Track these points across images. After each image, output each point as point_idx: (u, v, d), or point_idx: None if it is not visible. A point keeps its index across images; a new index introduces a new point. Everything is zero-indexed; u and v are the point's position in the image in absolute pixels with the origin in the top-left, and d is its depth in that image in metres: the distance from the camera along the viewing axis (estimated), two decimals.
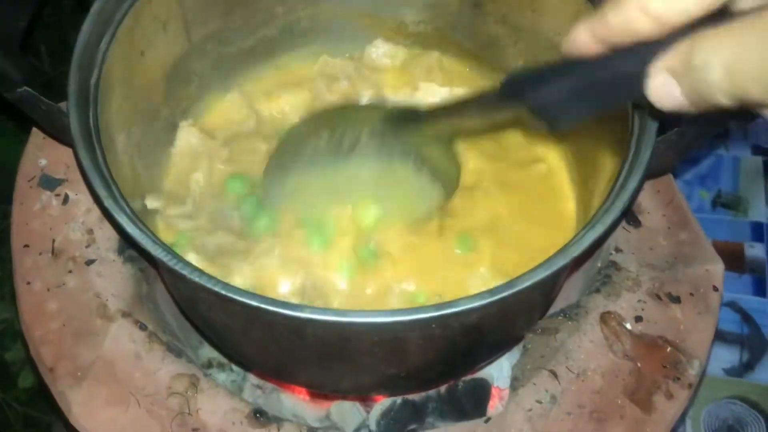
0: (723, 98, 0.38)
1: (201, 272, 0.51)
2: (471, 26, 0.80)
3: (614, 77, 0.43)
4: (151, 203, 0.68)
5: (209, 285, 0.50)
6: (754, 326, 1.17)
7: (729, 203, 1.27)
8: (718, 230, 1.24)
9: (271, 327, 0.55)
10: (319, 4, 0.82)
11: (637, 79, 0.40)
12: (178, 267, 0.51)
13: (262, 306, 0.49)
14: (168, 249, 0.52)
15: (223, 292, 0.50)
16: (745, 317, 1.17)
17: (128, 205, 0.55)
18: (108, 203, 0.54)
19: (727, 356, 1.14)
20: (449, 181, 0.69)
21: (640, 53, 0.40)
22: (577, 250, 0.52)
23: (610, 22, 0.41)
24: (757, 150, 1.32)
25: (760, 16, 0.36)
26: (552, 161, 0.75)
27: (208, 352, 0.83)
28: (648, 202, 0.77)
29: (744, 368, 1.14)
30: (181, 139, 0.76)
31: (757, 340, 1.16)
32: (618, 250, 0.73)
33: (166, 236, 0.67)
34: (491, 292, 0.50)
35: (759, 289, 1.19)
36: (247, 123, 0.79)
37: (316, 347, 0.57)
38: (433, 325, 0.52)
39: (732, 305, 1.17)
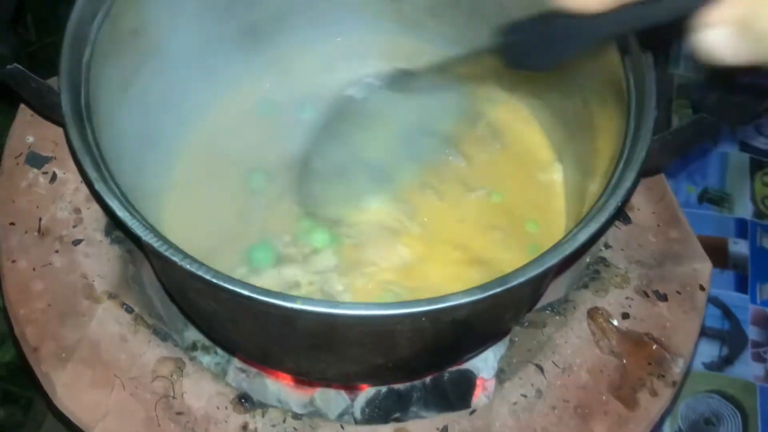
0: None
1: (192, 259, 0.51)
2: None
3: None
4: None
5: (200, 272, 0.50)
6: (735, 322, 1.18)
7: (715, 199, 1.28)
8: (703, 225, 1.25)
9: (261, 316, 0.55)
10: None
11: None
12: (168, 253, 0.51)
13: (253, 296, 0.49)
14: (158, 234, 0.51)
15: (214, 280, 0.50)
16: (727, 313, 1.18)
17: (119, 188, 0.54)
18: (98, 186, 0.53)
19: (707, 350, 1.15)
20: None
21: None
22: (569, 248, 0.52)
23: None
24: (744, 147, 1.32)
25: None
26: (547, 157, 0.75)
27: (193, 334, 0.83)
28: (638, 198, 0.77)
29: (723, 363, 1.15)
30: None
31: (737, 335, 1.17)
32: (607, 246, 0.73)
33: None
34: (482, 288, 0.50)
35: (741, 286, 1.20)
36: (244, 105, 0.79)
37: (304, 337, 0.57)
38: (423, 319, 0.52)
39: (714, 300, 1.18)
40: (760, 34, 0.37)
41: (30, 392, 1.13)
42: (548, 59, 0.48)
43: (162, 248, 0.51)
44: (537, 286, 0.63)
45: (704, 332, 1.14)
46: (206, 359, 0.83)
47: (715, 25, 0.38)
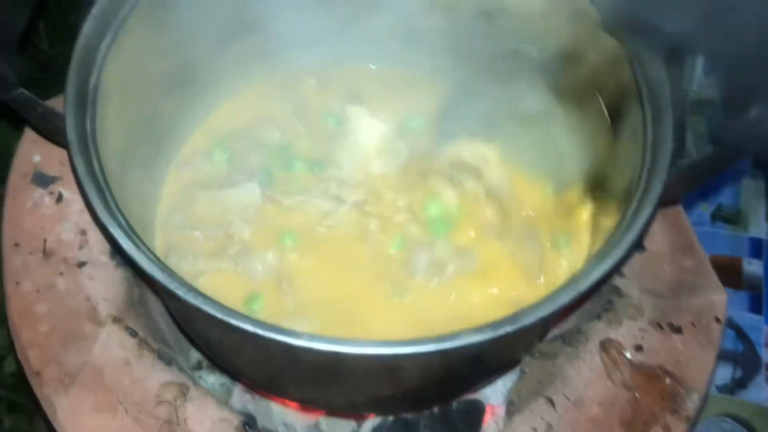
0: None
1: (196, 293, 0.49)
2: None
3: None
4: None
5: (204, 306, 0.49)
6: (749, 344, 1.16)
7: (729, 218, 1.26)
8: (717, 244, 1.23)
9: (266, 348, 0.54)
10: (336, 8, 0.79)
11: None
12: (173, 287, 0.50)
13: (258, 332, 0.48)
14: (164, 267, 0.50)
15: (219, 315, 0.49)
16: (740, 334, 1.16)
17: (123, 217, 0.53)
18: (102, 215, 0.52)
19: (720, 373, 1.13)
20: None
21: None
22: (583, 286, 0.51)
23: None
24: (759, 165, 1.31)
25: None
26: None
27: (198, 354, 0.82)
28: (653, 224, 0.75)
29: (737, 386, 1.13)
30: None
31: (751, 357, 1.15)
32: (620, 274, 0.72)
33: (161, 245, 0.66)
34: (493, 326, 0.49)
35: (755, 306, 1.18)
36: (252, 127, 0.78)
37: (310, 369, 0.56)
38: (432, 357, 0.51)
39: (727, 322, 1.16)
40: None
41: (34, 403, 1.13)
42: None
43: (166, 281, 0.50)
44: (549, 319, 0.61)
45: (717, 354, 1.13)
46: (211, 379, 0.82)
47: None
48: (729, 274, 1.19)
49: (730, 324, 1.16)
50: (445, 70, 0.80)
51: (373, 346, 0.48)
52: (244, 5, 0.74)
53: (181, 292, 0.49)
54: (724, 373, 1.12)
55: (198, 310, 0.49)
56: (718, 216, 1.26)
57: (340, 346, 0.48)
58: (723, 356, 1.13)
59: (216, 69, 0.75)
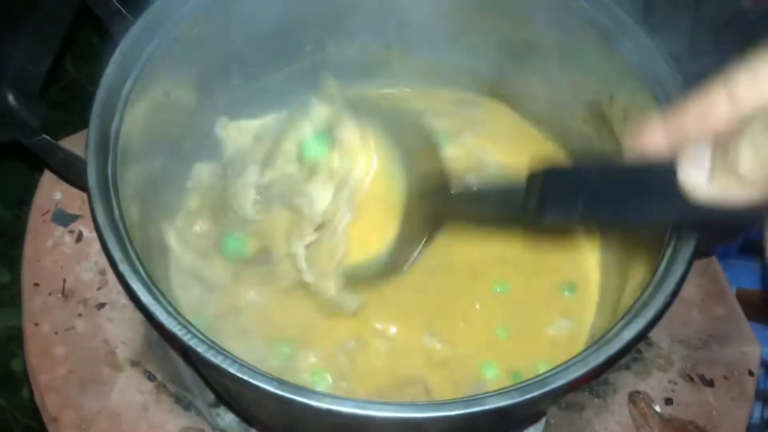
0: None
1: (216, 350, 0.48)
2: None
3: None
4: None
5: (224, 365, 0.48)
6: None
7: (757, 248, 1.23)
8: (745, 277, 1.19)
9: (287, 405, 0.53)
10: (351, 41, 0.79)
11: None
12: (192, 343, 0.48)
13: (278, 392, 0.47)
14: (184, 322, 0.49)
15: (239, 374, 0.47)
16: None
17: (144, 268, 0.52)
18: (122, 267, 0.51)
19: None
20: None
21: None
22: (613, 348, 0.49)
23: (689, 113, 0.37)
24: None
25: None
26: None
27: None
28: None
29: (767, 425, 1.10)
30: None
31: None
32: None
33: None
34: (520, 390, 0.48)
35: None
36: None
37: (331, 426, 0.55)
38: (457, 419, 0.49)
39: None
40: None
41: None
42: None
43: (186, 337, 0.49)
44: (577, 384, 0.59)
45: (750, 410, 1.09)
46: (229, 417, 0.81)
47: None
48: (757, 308, 1.15)
49: (761, 361, 1.13)
50: None
51: (396, 410, 0.47)
52: (269, 44, 0.74)
53: (201, 349, 0.48)
54: (754, 412, 1.09)
55: (217, 368, 0.48)
56: (746, 247, 1.22)
57: (363, 410, 0.47)
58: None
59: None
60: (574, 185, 0.41)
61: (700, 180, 0.35)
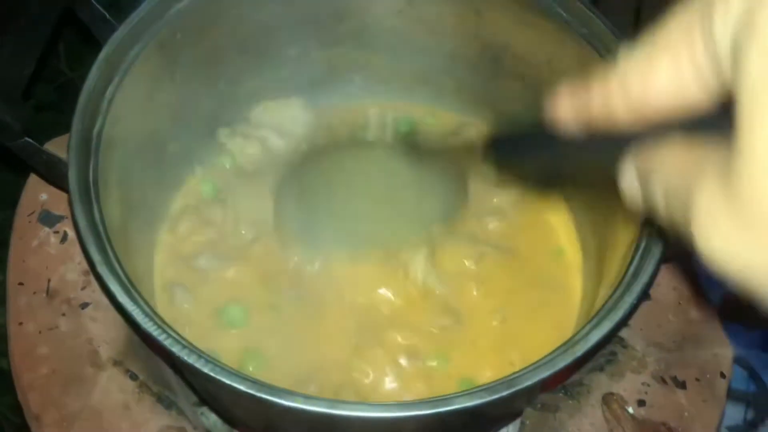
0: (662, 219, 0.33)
1: (190, 350, 0.49)
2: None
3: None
4: None
5: (197, 365, 0.49)
6: (761, 384, 1.14)
7: None
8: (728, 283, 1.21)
9: (267, 407, 0.54)
10: (337, 46, 0.80)
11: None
12: (167, 343, 0.49)
13: (253, 393, 0.48)
14: (161, 325, 0.50)
15: (212, 374, 0.48)
16: (753, 374, 1.14)
17: (123, 270, 0.53)
18: (101, 269, 0.52)
19: (731, 414, 1.11)
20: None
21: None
22: (580, 350, 0.50)
23: (593, 101, 0.36)
24: None
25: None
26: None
27: None
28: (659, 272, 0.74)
29: (748, 427, 1.11)
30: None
31: (763, 398, 1.13)
32: (625, 324, 0.71)
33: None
34: (488, 390, 0.49)
35: None
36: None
37: (307, 423, 0.56)
38: (429, 418, 0.50)
39: (740, 361, 1.14)
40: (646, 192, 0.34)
41: None
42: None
43: (167, 341, 0.50)
44: (547, 383, 0.60)
45: (729, 394, 1.10)
46: (212, 417, 0.82)
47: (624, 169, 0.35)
48: (745, 311, 1.17)
49: (743, 363, 1.14)
50: None
51: (368, 410, 0.48)
52: (252, 48, 0.75)
53: (183, 354, 0.49)
54: (736, 414, 1.10)
55: (193, 369, 0.49)
56: None
57: (335, 410, 0.48)
58: (735, 397, 1.11)
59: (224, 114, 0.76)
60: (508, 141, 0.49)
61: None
